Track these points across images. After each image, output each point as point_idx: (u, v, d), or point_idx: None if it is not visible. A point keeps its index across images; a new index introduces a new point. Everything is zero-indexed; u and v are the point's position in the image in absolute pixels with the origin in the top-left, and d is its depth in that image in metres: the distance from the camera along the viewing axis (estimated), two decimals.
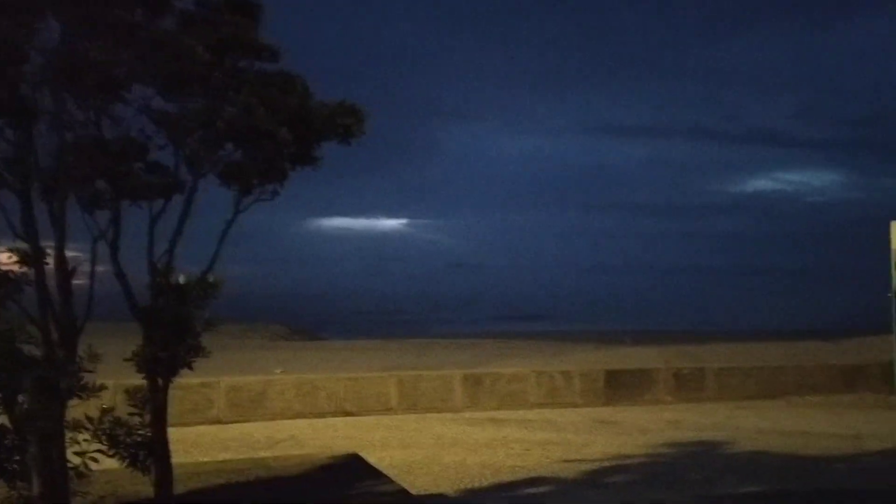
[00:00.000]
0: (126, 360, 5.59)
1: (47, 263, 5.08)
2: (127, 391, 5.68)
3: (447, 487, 7.34)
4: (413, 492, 6.85)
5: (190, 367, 5.69)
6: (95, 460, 5.22)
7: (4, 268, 5.00)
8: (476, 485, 7.48)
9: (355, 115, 5.87)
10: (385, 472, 7.36)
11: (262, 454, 8.60)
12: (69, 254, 5.19)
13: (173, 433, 5.81)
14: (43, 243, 5.09)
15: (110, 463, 5.44)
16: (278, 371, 13.99)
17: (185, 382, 8.28)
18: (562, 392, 13.08)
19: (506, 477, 7.74)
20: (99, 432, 5.26)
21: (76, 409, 5.18)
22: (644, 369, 13.97)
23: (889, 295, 14.17)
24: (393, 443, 9.76)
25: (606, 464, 8.40)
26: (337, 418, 11.47)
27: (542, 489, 7.45)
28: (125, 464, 5.43)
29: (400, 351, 20.59)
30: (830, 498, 7.01)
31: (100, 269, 5.46)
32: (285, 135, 5.63)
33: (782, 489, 7.29)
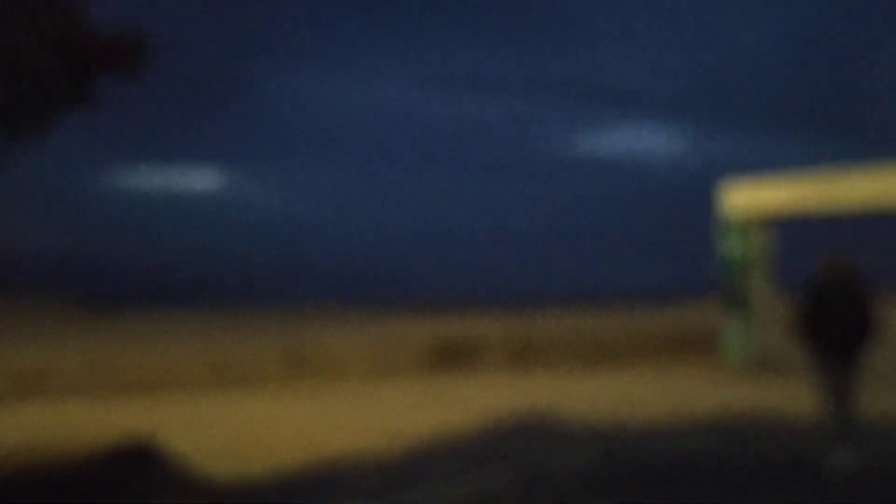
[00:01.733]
0: None
1: None
2: None
3: (258, 472, 7.01)
4: (219, 478, 6.47)
5: None
6: None
7: None
8: (292, 468, 7.19)
9: (138, 47, 5.27)
10: (186, 456, 6.90)
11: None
12: None
13: None
14: None
15: None
16: None
17: None
18: (390, 363, 12.97)
19: (326, 458, 7.51)
20: None
21: None
22: (478, 338, 14.15)
23: (719, 260, 15.21)
24: (198, 424, 9.27)
25: (434, 438, 8.34)
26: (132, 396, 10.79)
27: (363, 470, 7.26)
28: None
29: (210, 322, 19.75)
30: (662, 465, 7.32)
31: None
32: (50, 64, 4.94)
33: (609, 461, 7.52)
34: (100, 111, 5.68)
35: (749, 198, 14.65)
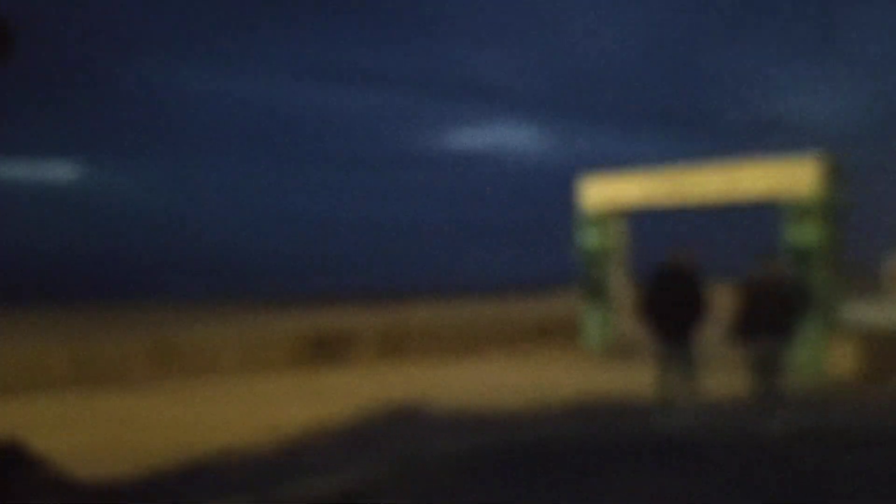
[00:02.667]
0: None
1: None
2: None
3: (129, 471, 6.83)
4: (88, 478, 6.26)
5: None
6: None
7: None
8: (163, 469, 7.04)
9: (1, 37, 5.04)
10: (50, 459, 6.63)
11: None
12: None
13: None
14: None
15: None
16: None
17: None
18: (263, 357, 12.84)
19: (196, 456, 7.39)
20: None
21: None
22: (350, 331, 14.20)
23: (577, 251, 15.85)
24: (62, 423, 8.91)
25: (308, 431, 8.36)
26: None
27: (238, 466, 7.22)
28: None
29: (74, 317, 18.86)
30: (529, 449, 7.65)
31: None
32: None
33: (481, 445, 7.81)
34: None
35: (605, 192, 15.35)
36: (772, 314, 8.36)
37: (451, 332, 14.99)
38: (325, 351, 13.28)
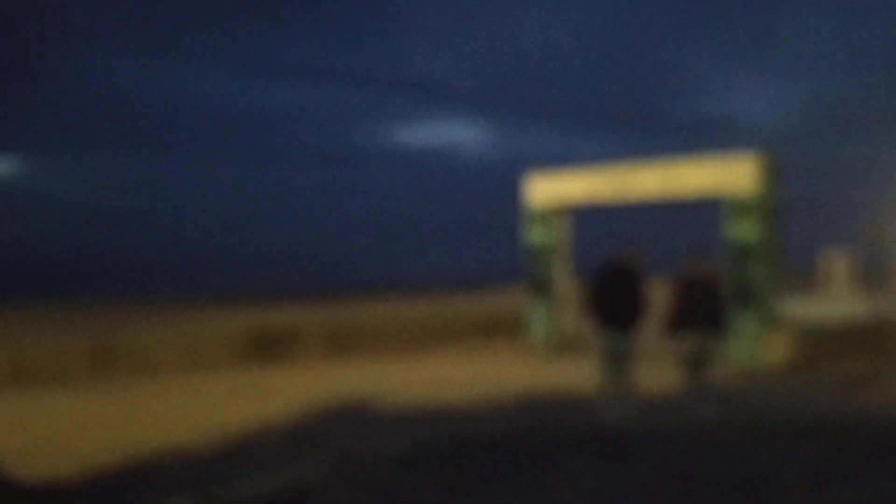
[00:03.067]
0: None
1: None
2: None
3: (68, 471, 6.64)
4: (27, 481, 6.07)
5: None
6: None
7: None
8: (106, 469, 6.87)
9: None
10: None
11: None
12: None
13: None
14: None
15: None
16: None
17: None
18: (206, 356, 12.63)
19: (139, 456, 7.23)
20: None
21: None
22: (295, 328, 14.03)
23: (524, 248, 15.93)
24: (1, 424, 8.64)
25: (250, 430, 8.25)
26: None
27: (182, 464, 7.08)
28: None
29: (12, 318, 18.28)
30: (474, 443, 7.67)
31: None
32: None
33: (427, 441, 7.80)
34: None
35: (550, 189, 15.46)
36: (702, 310, 8.73)
37: (397, 329, 14.94)
38: (270, 349, 13.10)
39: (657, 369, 10.54)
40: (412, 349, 14.46)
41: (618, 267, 9.24)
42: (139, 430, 8.37)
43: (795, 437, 7.90)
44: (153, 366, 12.17)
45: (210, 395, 10.64)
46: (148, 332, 13.75)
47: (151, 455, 7.25)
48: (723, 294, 8.92)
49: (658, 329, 9.08)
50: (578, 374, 11.27)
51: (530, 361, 13.26)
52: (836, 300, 29.87)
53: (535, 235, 15.61)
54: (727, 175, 12.67)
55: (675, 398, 9.99)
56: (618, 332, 9.02)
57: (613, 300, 9.08)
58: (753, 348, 12.27)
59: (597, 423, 8.37)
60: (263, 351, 13.00)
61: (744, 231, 12.44)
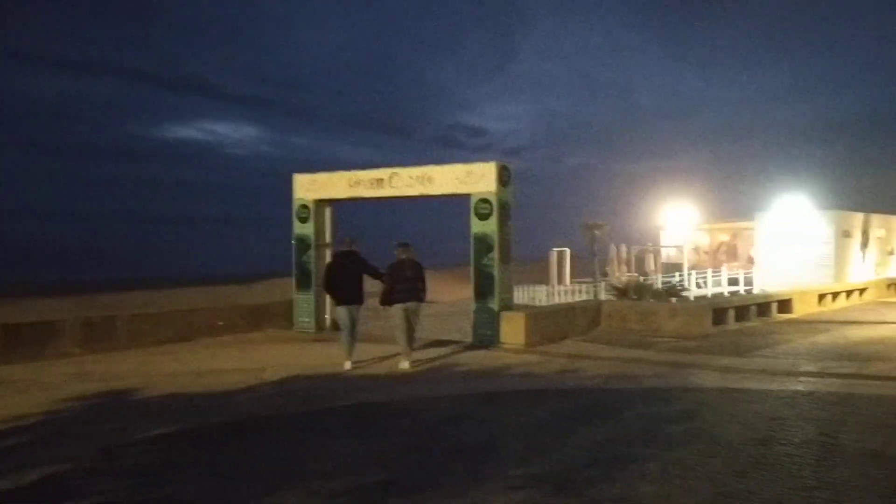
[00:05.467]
0: None
1: None
2: None
3: None
4: None
5: None
6: None
7: None
8: None
9: None
10: None
11: None
12: None
13: None
14: None
15: None
16: None
17: None
18: None
19: None
20: None
21: None
22: (48, 322, 12.77)
23: (292, 241, 15.73)
24: None
25: (6, 425, 7.44)
26: None
27: None
28: None
29: None
30: (237, 428, 7.44)
31: None
32: None
33: (192, 426, 7.45)
34: None
35: (316, 187, 15.43)
36: (409, 286, 10.93)
37: (164, 319, 14.07)
38: (21, 343, 11.79)
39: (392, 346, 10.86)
40: (181, 340, 13.70)
41: (346, 253, 11.20)
42: None
43: (523, 405, 8.46)
44: None
45: None
46: None
47: None
48: (423, 273, 11.09)
49: (379, 301, 11.08)
50: (338, 357, 11.28)
51: (296, 348, 13.09)
52: (562, 288, 32.45)
53: (301, 229, 15.52)
54: (472, 179, 13.30)
55: (414, 373, 10.36)
56: (350, 304, 10.98)
57: (344, 279, 10.95)
58: (492, 329, 12.99)
59: (351, 400, 8.45)
60: (18, 346, 11.66)
61: (484, 227, 13.15)
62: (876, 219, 31.80)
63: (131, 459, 6.34)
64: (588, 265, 33.87)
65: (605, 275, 32.79)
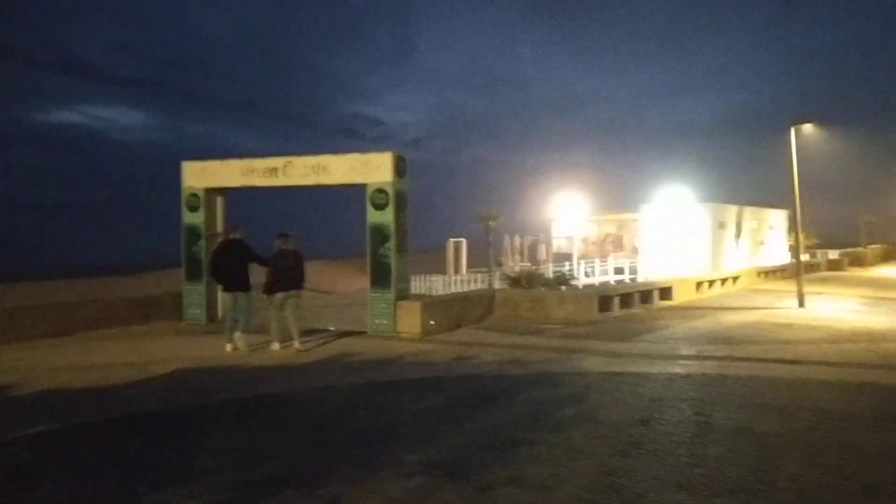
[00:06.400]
0: None
1: None
2: None
3: None
4: None
5: None
6: None
7: None
8: None
9: None
10: None
11: None
12: None
13: None
14: None
15: None
16: None
17: None
18: None
19: None
20: None
21: None
22: None
23: (180, 229, 15.15)
24: None
25: None
26: None
27: None
28: None
29: None
30: (121, 424, 7.12)
31: None
32: None
33: (73, 423, 7.08)
34: None
35: (208, 174, 14.92)
36: (290, 275, 11.37)
37: (45, 313, 13.27)
38: None
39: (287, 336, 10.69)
40: (63, 334, 12.97)
41: (230, 241, 11.67)
42: None
43: (418, 393, 8.51)
44: None
45: None
46: None
47: None
48: (302, 262, 11.59)
49: (263, 289, 11.43)
50: (226, 348, 10.96)
51: (186, 340, 12.64)
52: (458, 277, 32.79)
53: (191, 219, 14.99)
54: (368, 169, 13.21)
55: (313, 362, 10.24)
56: (236, 290, 11.43)
57: (228, 266, 11.40)
58: (389, 317, 12.98)
59: (243, 393, 8.26)
60: None
61: (380, 217, 13.10)
62: (748, 211, 33.80)
63: (5, 459, 5.97)
64: (484, 255, 34.39)
65: (499, 264, 33.41)
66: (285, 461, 5.80)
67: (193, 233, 15.00)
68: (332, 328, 13.95)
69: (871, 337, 12.76)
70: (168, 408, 7.78)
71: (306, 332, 13.11)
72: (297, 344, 11.40)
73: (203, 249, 14.82)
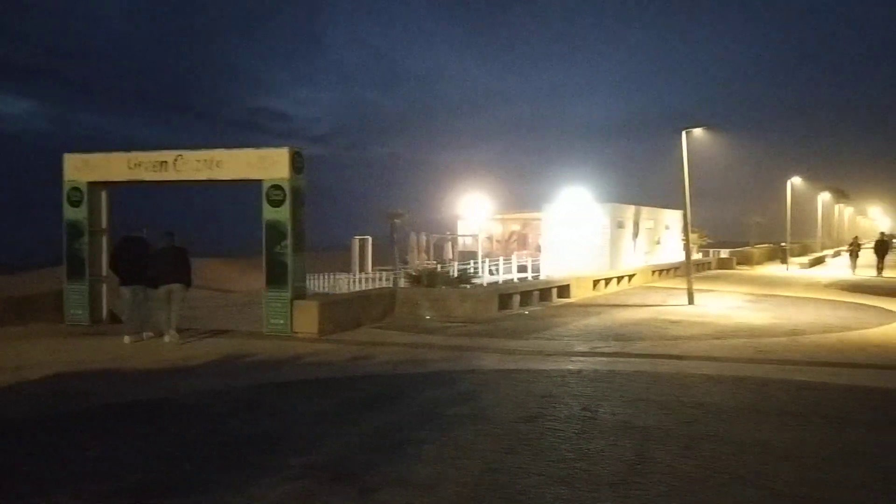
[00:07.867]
0: None
1: None
2: None
3: None
4: None
5: None
6: None
7: None
8: None
9: None
10: None
11: None
12: None
13: None
14: None
15: None
16: None
17: None
18: None
19: None
20: None
21: None
22: None
23: (63, 225, 14.39)
24: None
25: None
26: None
27: None
28: None
29: None
30: None
31: None
32: None
33: None
34: None
35: (92, 168, 14.27)
36: (171, 269, 12.07)
37: None
38: None
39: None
40: None
41: (132, 238, 12.44)
42: None
43: (311, 395, 8.39)
44: None
45: None
46: None
47: None
48: (187, 258, 12.29)
49: (148, 283, 12.09)
50: (114, 351, 10.50)
51: (66, 342, 12.01)
52: (363, 276, 32.56)
53: (73, 214, 14.27)
54: (265, 164, 12.93)
55: (203, 364, 9.94)
56: (134, 284, 12.10)
57: (130, 262, 12.08)
58: (285, 317, 12.75)
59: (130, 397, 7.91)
60: None
61: (276, 213, 12.84)
62: (646, 211, 35.09)
63: None
64: (389, 253, 34.32)
65: (405, 262, 33.42)
66: (160, 469, 5.58)
67: (75, 229, 14.27)
68: (235, 329, 13.57)
69: (752, 332, 13.47)
70: (39, 414, 7.36)
71: (201, 334, 12.73)
72: (167, 338, 11.92)
73: (86, 246, 14.13)
